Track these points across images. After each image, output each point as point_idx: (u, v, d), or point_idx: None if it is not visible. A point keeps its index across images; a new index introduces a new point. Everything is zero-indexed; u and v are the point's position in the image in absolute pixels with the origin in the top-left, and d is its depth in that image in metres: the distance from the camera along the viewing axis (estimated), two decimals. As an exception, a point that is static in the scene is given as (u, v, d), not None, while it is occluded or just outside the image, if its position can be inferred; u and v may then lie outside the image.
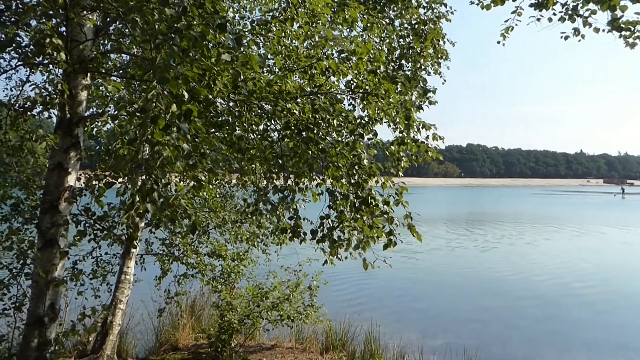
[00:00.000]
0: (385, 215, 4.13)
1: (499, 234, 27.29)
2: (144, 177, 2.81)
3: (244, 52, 3.18)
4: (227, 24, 2.73)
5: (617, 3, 4.31)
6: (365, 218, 4.12)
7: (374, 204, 4.09)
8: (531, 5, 4.71)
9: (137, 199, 2.64)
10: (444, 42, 7.32)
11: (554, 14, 4.75)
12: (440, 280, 15.39)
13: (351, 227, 4.19)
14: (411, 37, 7.05)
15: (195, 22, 2.70)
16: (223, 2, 5.29)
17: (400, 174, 4.47)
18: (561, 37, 5.02)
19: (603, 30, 4.68)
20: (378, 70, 4.23)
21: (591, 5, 4.58)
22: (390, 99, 4.21)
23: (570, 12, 4.68)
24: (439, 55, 7.30)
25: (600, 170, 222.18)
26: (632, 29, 4.53)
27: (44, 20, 3.48)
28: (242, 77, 3.57)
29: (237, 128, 4.64)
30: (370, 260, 4.25)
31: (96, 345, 6.84)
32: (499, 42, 5.48)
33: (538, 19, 4.86)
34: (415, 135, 4.46)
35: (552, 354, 9.07)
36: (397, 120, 4.39)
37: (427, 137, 4.50)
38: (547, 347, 9.41)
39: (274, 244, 8.60)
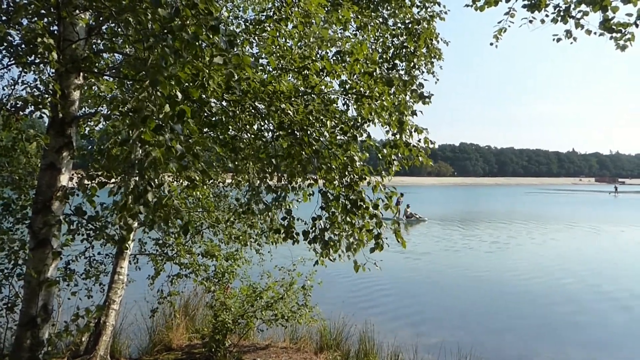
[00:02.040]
0: (374, 219, 4.15)
1: (496, 234, 27.28)
2: (136, 178, 2.80)
3: (237, 54, 3.17)
4: (221, 25, 2.73)
5: (608, 3, 4.34)
6: (355, 220, 4.14)
7: (364, 206, 4.10)
8: (524, 6, 4.73)
9: (130, 200, 2.63)
10: (438, 42, 7.35)
11: (547, 16, 4.77)
12: (434, 279, 15.44)
13: (342, 228, 4.20)
14: (405, 36, 7.07)
15: (188, 22, 2.69)
16: (217, 1, 5.28)
17: (390, 177, 4.48)
18: (553, 39, 5.04)
19: (595, 33, 4.70)
20: (375, 73, 4.23)
21: (583, 7, 4.60)
22: (385, 103, 4.22)
23: (562, 13, 4.70)
24: (432, 55, 7.33)
25: (592, 169, 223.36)
26: (623, 30, 4.56)
27: (35, 19, 3.46)
28: (236, 77, 3.56)
29: (230, 128, 4.63)
30: (362, 262, 4.27)
31: (89, 346, 6.81)
32: (491, 44, 5.50)
33: (530, 21, 4.88)
34: (407, 139, 4.46)
35: (546, 353, 9.13)
36: (390, 122, 4.40)
37: (419, 141, 4.50)
38: (541, 345, 9.47)
39: (267, 243, 8.59)
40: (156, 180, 2.79)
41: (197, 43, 2.61)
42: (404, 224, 31.79)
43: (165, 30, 2.58)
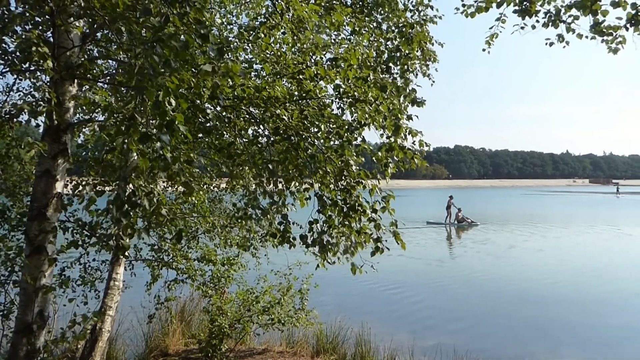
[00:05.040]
0: (373, 222, 4.16)
1: (493, 235, 27.34)
2: (126, 186, 2.82)
3: (226, 62, 3.19)
4: (214, 30, 2.76)
5: (598, 7, 4.38)
6: (353, 224, 4.16)
7: (361, 210, 4.12)
8: (515, 12, 4.78)
9: (114, 209, 2.65)
10: (432, 44, 7.39)
11: (537, 21, 4.82)
12: (430, 281, 15.46)
13: (340, 232, 4.21)
14: (399, 40, 7.11)
15: (180, 30, 2.71)
16: (210, 8, 5.29)
17: (388, 179, 4.50)
18: (546, 43, 5.09)
19: (586, 37, 4.75)
20: (368, 78, 4.26)
21: (573, 11, 4.64)
22: (380, 107, 4.25)
23: (553, 18, 4.75)
24: (427, 58, 7.37)
25: (586, 170, 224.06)
26: (614, 33, 4.59)
27: (30, 27, 3.47)
28: (230, 82, 3.58)
29: (226, 133, 4.64)
30: (359, 264, 4.28)
31: (85, 353, 6.78)
32: (484, 50, 5.55)
33: (522, 27, 4.92)
34: (402, 142, 4.48)
35: (542, 354, 9.17)
36: (385, 125, 4.42)
37: (414, 143, 4.53)
38: (537, 347, 9.50)
39: (264, 247, 8.60)
40: (148, 186, 2.81)
41: (187, 51, 2.62)
42: (455, 228, 31.16)
43: (155, 39, 2.59)
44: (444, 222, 32.95)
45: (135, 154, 2.76)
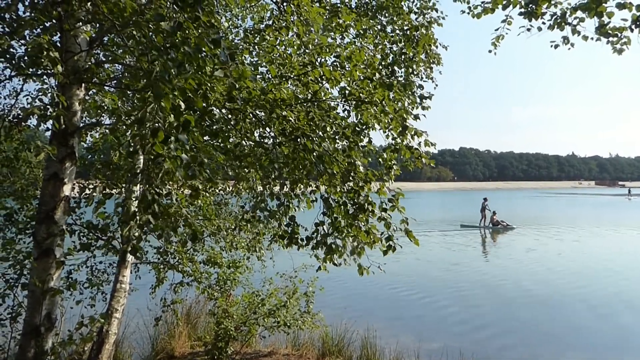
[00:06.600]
0: (383, 221, 4.17)
1: (494, 237, 27.22)
2: (141, 187, 2.84)
3: (237, 66, 3.21)
4: (222, 38, 2.78)
5: (603, 9, 4.39)
6: (361, 224, 4.16)
7: (370, 209, 4.13)
8: (521, 14, 4.79)
9: (138, 210, 2.66)
10: (437, 47, 7.40)
11: (543, 23, 4.83)
12: (436, 284, 15.42)
13: (346, 233, 4.22)
14: (403, 43, 7.13)
15: (192, 34, 2.73)
16: (216, 12, 5.33)
17: (391, 181, 4.51)
18: (551, 45, 5.10)
19: (591, 39, 4.75)
20: (374, 78, 4.27)
21: (579, 13, 4.65)
22: (386, 107, 4.26)
23: (558, 20, 4.75)
24: (431, 60, 7.38)
25: (591, 172, 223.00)
26: (619, 35, 4.60)
27: (39, 30, 3.50)
28: (237, 85, 3.60)
29: (232, 136, 4.67)
30: (366, 266, 4.29)
31: (92, 355, 6.81)
32: (490, 52, 5.56)
33: (528, 29, 4.93)
34: (408, 143, 4.49)
35: (548, 357, 9.12)
36: (391, 127, 4.43)
37: (419, 144, 4.54)
38: (543, 349, 9.46)
39: (269, 250, 8.61)
40: (163, 190, 2.83)
41: (199, 55, 2.64)
42: (490, 231, 30.24)
43: (168, 44, 2.61)
44: (479, 225, 31.99)
45: (141, 156, 2.79)
